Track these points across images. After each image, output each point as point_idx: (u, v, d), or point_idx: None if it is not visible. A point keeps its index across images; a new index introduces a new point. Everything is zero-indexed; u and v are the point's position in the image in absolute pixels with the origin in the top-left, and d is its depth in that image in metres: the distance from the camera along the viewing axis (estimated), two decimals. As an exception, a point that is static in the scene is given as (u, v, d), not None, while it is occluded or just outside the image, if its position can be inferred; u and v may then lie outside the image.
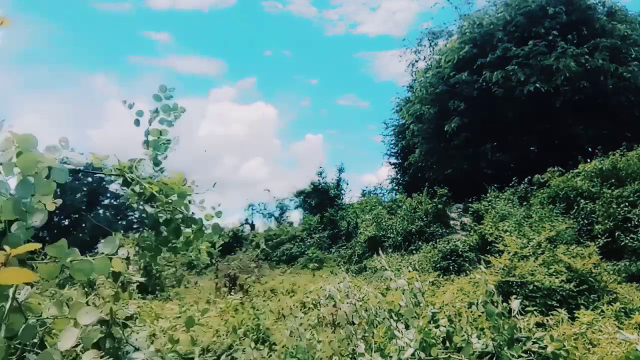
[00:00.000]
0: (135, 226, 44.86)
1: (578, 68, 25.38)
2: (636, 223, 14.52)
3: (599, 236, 13.96)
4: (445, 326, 2.73)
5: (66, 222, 40.69)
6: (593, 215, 15.84)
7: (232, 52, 73.56)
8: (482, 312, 2.76)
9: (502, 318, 2.63)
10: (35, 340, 1.80)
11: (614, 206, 15.18)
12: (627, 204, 15.13)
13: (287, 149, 69.79)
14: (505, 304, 2.71)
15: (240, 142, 64.59)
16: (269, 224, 35.55)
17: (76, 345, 1.84)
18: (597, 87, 25.62)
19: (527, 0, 28.64)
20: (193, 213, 2.69)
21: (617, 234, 14.47)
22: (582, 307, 8.30)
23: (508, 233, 13.35)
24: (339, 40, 67.66)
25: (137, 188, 2.49)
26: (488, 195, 21.82)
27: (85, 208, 42.87)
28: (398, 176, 39.39)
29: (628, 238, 14.19)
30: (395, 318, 2.94)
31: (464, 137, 28.42)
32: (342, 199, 31.08)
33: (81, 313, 1.68)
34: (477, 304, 2.83)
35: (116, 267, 1.69)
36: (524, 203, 19.43)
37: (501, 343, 2.56)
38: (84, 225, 42.30)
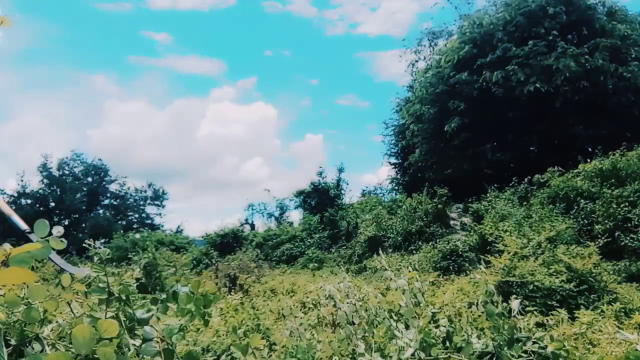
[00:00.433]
0: (135, 226, 44.97)
1: (578, 68, 25.36)
2: (636, 223, 14.52)
3: (599, 236, 13.94)
4: (445, 326, 2.73)
5: (66, 222, 40.70)
6: (593, 215, 15.84)
7: (232, 52, 73.68)
8: (482, 312, 2.76)
9: (502, 318, 2.63)
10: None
11: (614, 206, 15.19)
12: (627, 204, 15.13)
13: (287, 149, 70.02)
14: (505, 304, 2.71)
15: (240, 142, 64.74)
16: (269, 224, 35.52)
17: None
18: (597, 87, 25.59)
19: (527, 0, 28.60)
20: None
21: (617, 234, 14.47)
22: (582, 307, 8.30)
23: (508, 233, 13.34)
24: (339, 40, 67.77)
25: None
26: (488, 195, 21.80)
27: (85, 208, 42.90)
28: (398, 176, 39.38)
29: (628, 238, 14.19)
30: (395, 318, 2.93)
31: (464, 137, 28.37)
32: (342, 199, 31.03)
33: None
34: (477, 304, 2.83)
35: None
36: (524, 203, 19.42)
37: (501, 343, 2.56)
38: (84, 225, 42.33)
